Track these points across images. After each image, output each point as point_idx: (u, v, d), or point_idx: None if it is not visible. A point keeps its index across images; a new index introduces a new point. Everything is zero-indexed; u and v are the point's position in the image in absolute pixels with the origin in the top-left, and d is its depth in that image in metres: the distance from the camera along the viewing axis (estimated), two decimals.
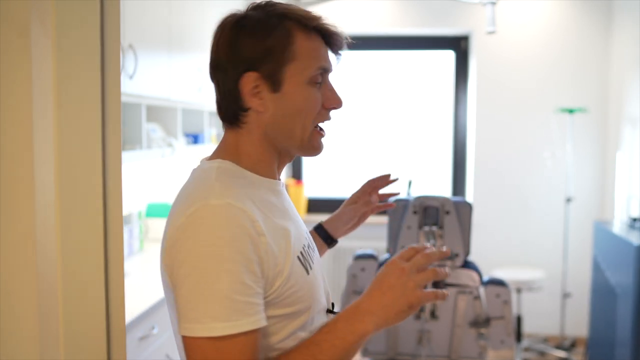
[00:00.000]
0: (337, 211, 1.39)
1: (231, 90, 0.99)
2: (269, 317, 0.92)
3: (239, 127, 1.01)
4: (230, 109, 1.01)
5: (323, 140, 1.05)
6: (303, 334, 0.98)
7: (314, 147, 1.03)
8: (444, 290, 0.94)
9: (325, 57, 1.01)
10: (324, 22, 1.01)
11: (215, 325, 0.84)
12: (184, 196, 0.94)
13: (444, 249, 0.98)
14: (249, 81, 0.97)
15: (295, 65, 0.97)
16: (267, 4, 1.01)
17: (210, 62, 1.02)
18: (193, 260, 0.86)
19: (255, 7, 1.01)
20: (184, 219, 0.88)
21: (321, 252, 1.32)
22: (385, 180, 1.38)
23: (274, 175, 1.04)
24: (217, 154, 1.03)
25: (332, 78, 1.05)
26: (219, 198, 0.89)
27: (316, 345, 0.92)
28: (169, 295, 0.95)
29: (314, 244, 1.12)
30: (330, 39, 1.01)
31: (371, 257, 2.44)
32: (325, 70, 1.01)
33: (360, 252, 2.49)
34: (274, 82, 0.97)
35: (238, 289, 0.85)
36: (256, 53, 0.96)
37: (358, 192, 1.38)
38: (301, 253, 0.99)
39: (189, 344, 0.87)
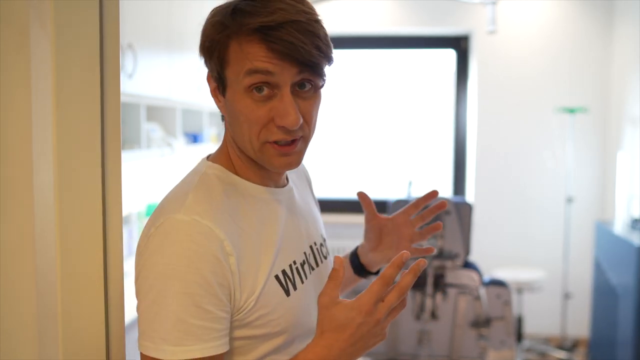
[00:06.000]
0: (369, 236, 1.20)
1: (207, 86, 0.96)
2: (236, 338, 0.88)
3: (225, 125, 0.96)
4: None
5: (283, 157, 0.90)
6: (279, 357, 0.92)
7: (269, 163, 0.91)
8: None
9: (259, 60, 0.84)
10: (265, 21, 0.83)
11: (165, 348, 0.81)
12: (165, 201, 0.91)
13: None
14: (210, 81, 0.94)
15: (231, 70, 0.87)
16: None
17: None
18: (152, 278, 0.83)
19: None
20: (153, 230, 0.85)
21: (351, 284, 1.22)
22: (432, 197, 1.15)
23: (265, 181, 0.96)
24: (214, 155, 0.99)
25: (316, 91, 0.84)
26: (187, 213, 0.85)
27: None
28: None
29: (322, 258, 1.05)
30: (272, 42, 0.83)
31: None
32: (257, 72, 0.84)
33: None
34: (222, 86, 0.91)
35: (194, 313, 0.81)
36: (206, 52, 0.91)
37: (399, 213, 1.18)
38: (284, 271, 0.93)
39: None
